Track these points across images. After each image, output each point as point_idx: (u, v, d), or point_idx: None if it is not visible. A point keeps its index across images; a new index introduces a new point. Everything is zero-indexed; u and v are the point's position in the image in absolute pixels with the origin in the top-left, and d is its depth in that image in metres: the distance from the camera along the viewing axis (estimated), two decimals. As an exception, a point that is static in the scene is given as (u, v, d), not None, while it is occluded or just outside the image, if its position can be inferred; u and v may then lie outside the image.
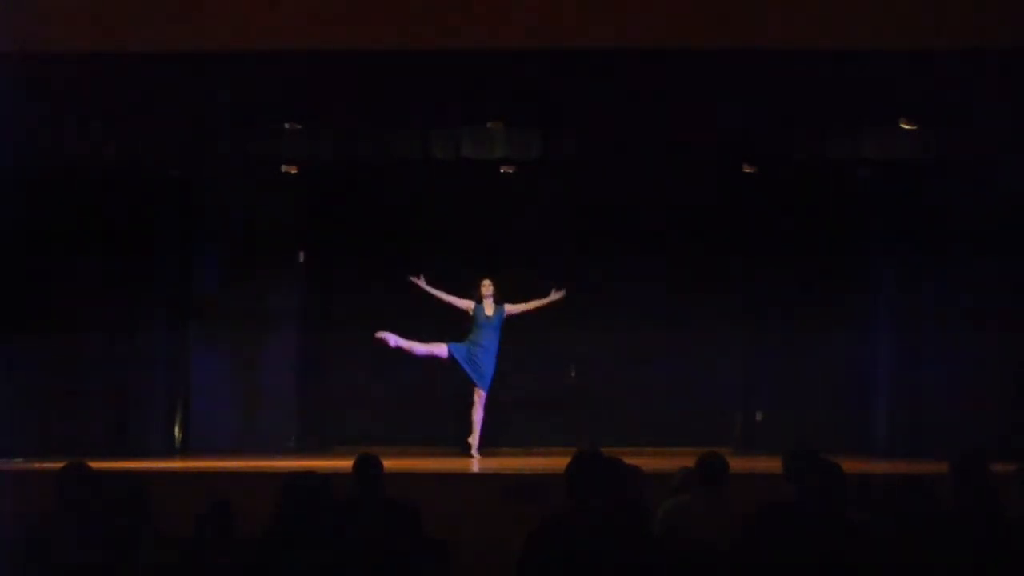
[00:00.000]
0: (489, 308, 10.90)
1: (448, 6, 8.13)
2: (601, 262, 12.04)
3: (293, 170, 10.71)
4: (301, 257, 11.96)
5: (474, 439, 10.73)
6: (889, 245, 11.43)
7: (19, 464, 9.73)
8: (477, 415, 10.79)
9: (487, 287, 10.91)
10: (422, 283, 10.83)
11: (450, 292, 10.88)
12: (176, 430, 11.57)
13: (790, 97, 9.34)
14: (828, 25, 8.14)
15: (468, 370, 10.72)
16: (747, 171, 10.69)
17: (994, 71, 8.75)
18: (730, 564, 4.83)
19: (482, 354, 10.75)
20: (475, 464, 10.29)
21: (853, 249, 11.70)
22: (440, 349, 10.76)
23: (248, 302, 11.77)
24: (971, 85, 8.98)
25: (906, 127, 9.57)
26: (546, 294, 10.94)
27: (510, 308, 10.92)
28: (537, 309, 10.97)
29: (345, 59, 8.74)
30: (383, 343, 10.67)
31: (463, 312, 10.87)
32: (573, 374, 12.25)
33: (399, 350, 10.73)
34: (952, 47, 8.27)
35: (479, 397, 10.77)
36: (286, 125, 9.80)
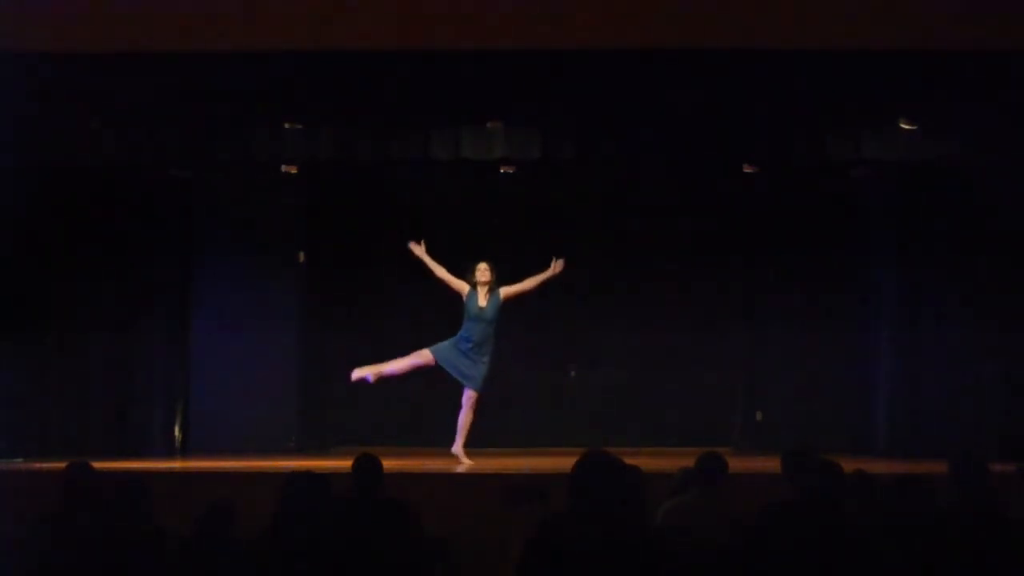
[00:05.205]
0: (483, 297, 9.83)
1: (448, 6, 8.13)
2: (601, 262, 12.06)
3: (293, 170, 10.70)
4: (301, 257, 11.96)
5: (458, 447, 9.90)
6: (889, 245, 11.43)
7: (19, 464, 9.74)
8: (463, 417, 9.89)
9: (483, 272, 9.88)
10: (420, 250, 9.95)
11: (451, 271, 9.97)
12: (176, 430, 11.57)
13: (790, 97, 9.35)
14: (828, 25, 8.15)
15: (452, 371, 9.84)
16: (747, 171, 10.69)
17: (993, 71, 8.76)
18: (730, 564, 4.83)
19: (471, 351, 9.79)
20: (462, 465, 9.76)
21: (853, 249, 11.71)
22: (424, 357, 9.91)
23: (248, 302, 11.77)
24: (971, 85, 8.99)
25: (906, 127, 9.58)
26: (544, 268, 9.93)
27: (507, 291, 9.86)
28: (537, 286, 9.95)
29: (345, 59, 8.75)
30: (362, 382, 10.02)
31: (459, 296, 9.98)
32: (573, 374, 12.25)
33: (384, 378, 10.06)
34: (951, 47, 8.28)
35: (468, 399, 9.84)
36: (286, 125, 9.80)
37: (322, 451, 11.39)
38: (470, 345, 9.85)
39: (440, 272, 9.98)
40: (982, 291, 10.78)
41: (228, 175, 11.63)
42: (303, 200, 11.90)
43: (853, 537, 4.80)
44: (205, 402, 11.71)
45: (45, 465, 9.09)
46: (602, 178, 11.86)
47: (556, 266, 9.95)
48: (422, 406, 11.78)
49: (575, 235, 12.05)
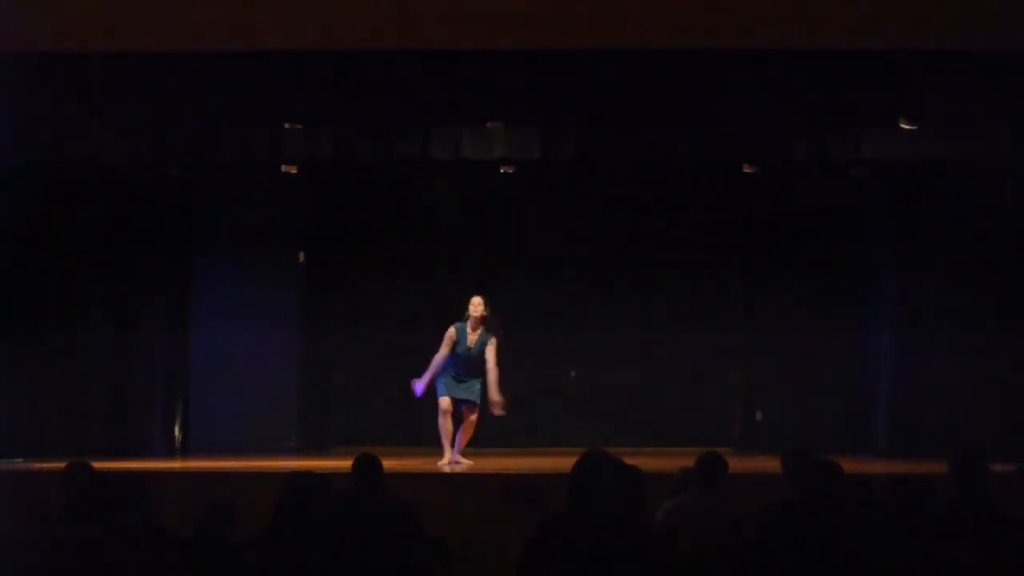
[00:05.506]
0: (472, 336, 9.72)
1: (448, 6, 8.13)
2: (600, 262, 12.06)
3: (293, 170, 10.71)
4: (301, 257, 11.96)
5: (456, 455, 9.87)
6: (889, 245, 11.43)
7: (19, 464, 9.74)
8: (464, 435, 9.90)
9: (476, 306, 9.72)
10: (424, 381, 9.82)
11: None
12: (176, 430, 11.57)
13: (790, 97, 9.35)
14: (828, 25, 8.14)
15: (461, 395, 9.81)
16: (747, 171, 10.69)
17: (993, 71, 8.76)
18: (730, 564, 4.83)
19: (464, 378, 9.80)
20: (461, 465, 9.79)
21: (853, 249, 11.71)
22: (447, 405, 9.80)
23: (248, 301, 11.77)
24: (971, 85, 8.99)
25: (906, 127, 9.58)
26: (501, 389, 9.69)
27: (491, 351, 9.68)
28: (491, 378, 9.69)
29: (345, 59, 8.75)
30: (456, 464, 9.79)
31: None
32: (573, 374, 12.24)
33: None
34: (952, 47, 8.28)
35: (469, 414, 9.83)
36: (286, 125, 9.80)
37: (322, 451, 11.38)
38: (461, 375, 9.87)
39: (441, 355, 9.79)
40: (982, 291, 10.77)
41: (228, 175, 11.63)
42: (303, 200, 11.90)
43: (853, 537, 4.80)
44: (205, 402, 11.70)
45: (45, 465, 9.08)
46: (602, 178, 11.86)
47: (505, 406, 9.72)
48: (422, 406, 11.76)
49: (575, 235, 12.07)
